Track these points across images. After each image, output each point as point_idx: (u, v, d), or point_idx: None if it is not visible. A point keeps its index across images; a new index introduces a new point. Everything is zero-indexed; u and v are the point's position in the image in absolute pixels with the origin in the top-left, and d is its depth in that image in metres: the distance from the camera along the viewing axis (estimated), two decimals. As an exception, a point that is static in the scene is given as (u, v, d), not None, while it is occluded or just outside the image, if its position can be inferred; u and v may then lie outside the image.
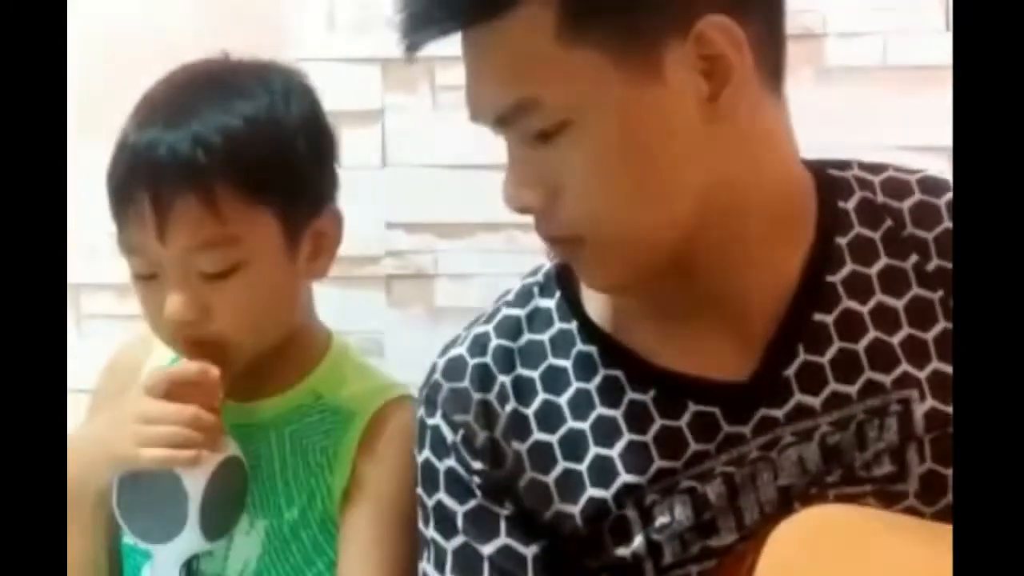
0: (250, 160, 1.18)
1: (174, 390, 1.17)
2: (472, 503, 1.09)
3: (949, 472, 1.03)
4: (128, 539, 1.24)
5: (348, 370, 1.29)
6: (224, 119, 1.18)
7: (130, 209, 1.18)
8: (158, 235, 1.17)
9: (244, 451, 1.21)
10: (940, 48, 1.44)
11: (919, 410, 1.03)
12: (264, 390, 1.26)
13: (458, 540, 1.09)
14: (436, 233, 1.61)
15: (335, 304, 1.34)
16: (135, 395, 1.19)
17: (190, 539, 1.16)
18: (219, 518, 1.18)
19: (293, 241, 1.22)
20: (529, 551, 1.07)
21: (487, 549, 1.08)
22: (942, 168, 1.09)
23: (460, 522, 1.09)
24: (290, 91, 1.24)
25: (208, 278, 1.18)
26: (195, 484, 1.15)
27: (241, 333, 1.20)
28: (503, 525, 1.08)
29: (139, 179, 1.17)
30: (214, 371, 1.17)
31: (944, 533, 0.86)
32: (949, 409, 1.03)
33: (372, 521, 1.21)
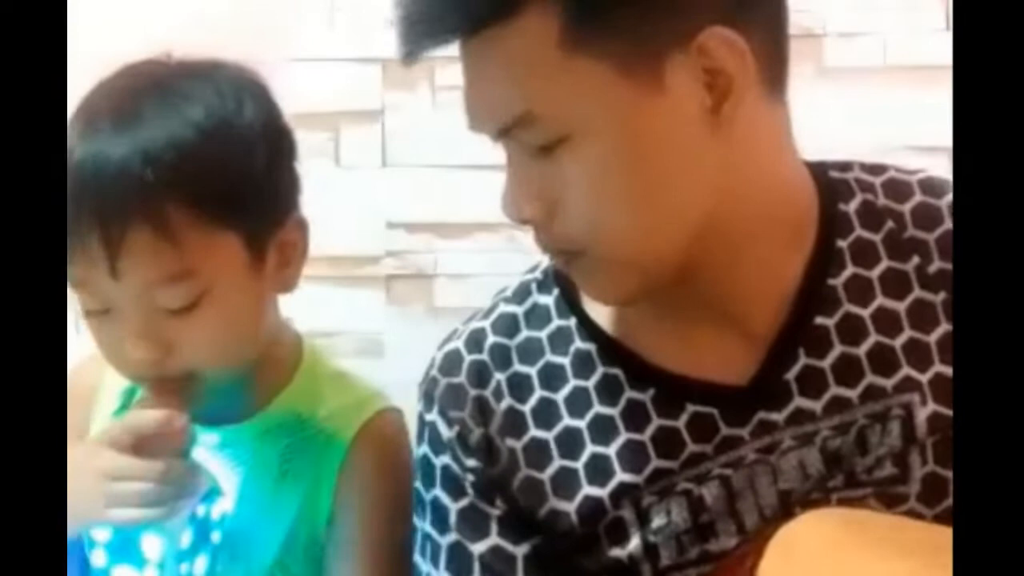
0: (206, 178, 1.08)
1: (140, 442, 1.09)
2: (464, 501, 1.08)
3: (950, 475, 1.03)
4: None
5: (324, 382, 1.22)
6: (173, 128, 1.08)
7: (76, 241, 1.06)
8: (110, 271, 1.07)
9: (222, 478, 1.16)
10: (940, 48, 1.44)
11: (921, 414, 1.03)
12: (239, 411, 1.19)
13: (451, 537, 1.09)
14: (436, 233, 1.61)
15: (335, 304, 1.34)
16: (97, 448, 1.10)
17: None
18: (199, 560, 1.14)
19: (258, 257, 1.13)
20: (519, 551, 1.07)
21: (478, 548, 1.08)
22: (942, 168, 1.09)
23: (453, 519, 1.09)
24: (242, 91, 1.14)
25: (170, 313, 1.09)
26: (172, 535, 1.12)
27: (209, 363, 1.12)
28: (493, 525, 1.08)
29: (85, 208, 1.06)
30: (179, 419, 1.09)
31: (946, 536, 0.86)
32: (951, 412, 1.03)
33: (357, 551, 1.16)
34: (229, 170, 1.10)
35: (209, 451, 1.17)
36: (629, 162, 0.98)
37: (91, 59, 1.58)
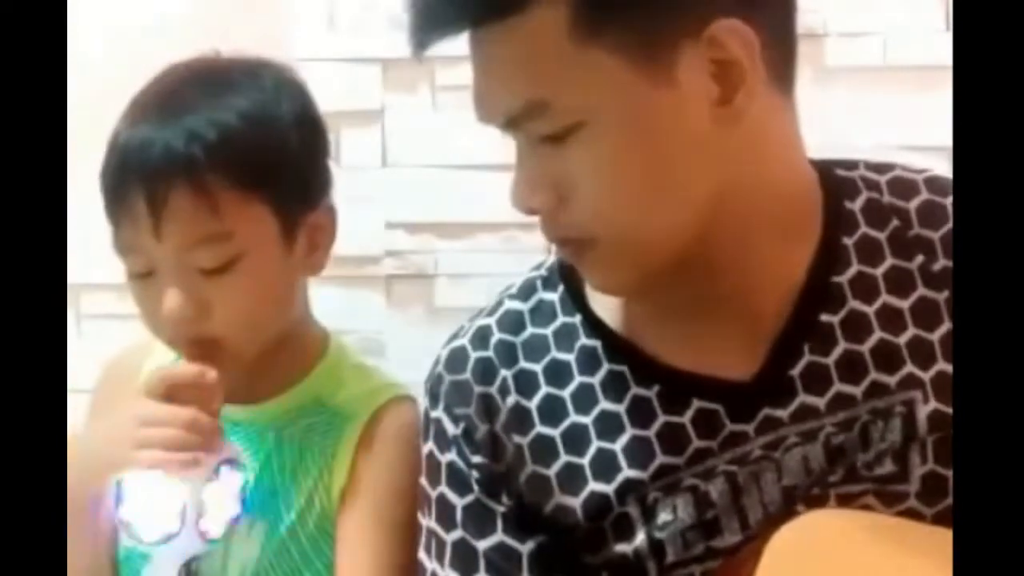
0: (244, 154, 1.18)
1: (172, 392, 1.16)
2: (470, 498, 1.09)
3: (950, 474, 1.03)
4: (127, 542, 1.23)
5: (346, 371, 1.28)
6: (217, 114, 1.18)
7: (124, 208, 1.17)
8: (153, 232, 1.16)
9: (243, 453, 1.21)
10: (940, 48, 1.44)
11: (922, 412, 1.03)
12: (263, 391, 1.26)
13: (456, 534, 1.09)
14: (436, 233, 1.61)
15: (335, 304, 1.34)
16: (133, 397, 1.18)
17: (188, 541, 1.16)
18: (217, 520, 1.18)
19: (289, 235, 1.21)
20: (524, 548, 1.07)
21: (483, 545, 1.08)
22: (942, 168, 1.09)
23: (459, 516, 1.09)
24: (281, 87, 1.23)
25: (205, 274, 1.17)
26: (192, 487, 1.15)
27: (240, 329, 1.19)
28: (499, 522, 1.08)
29: (132, 177, 1.16)
30: (212, 373, 1.16)
31: (945, 539, 0.86)
32: (952, 410, 1.03)
33: (369, 524, 1.21)
34: (266, 152, 1.20)
35: (236, 425, 1.23)
36: (638, 152, 0.98)
37: (90, 59, 1.58)
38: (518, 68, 0.99)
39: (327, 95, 1.28)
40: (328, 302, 1.32)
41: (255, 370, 1.23)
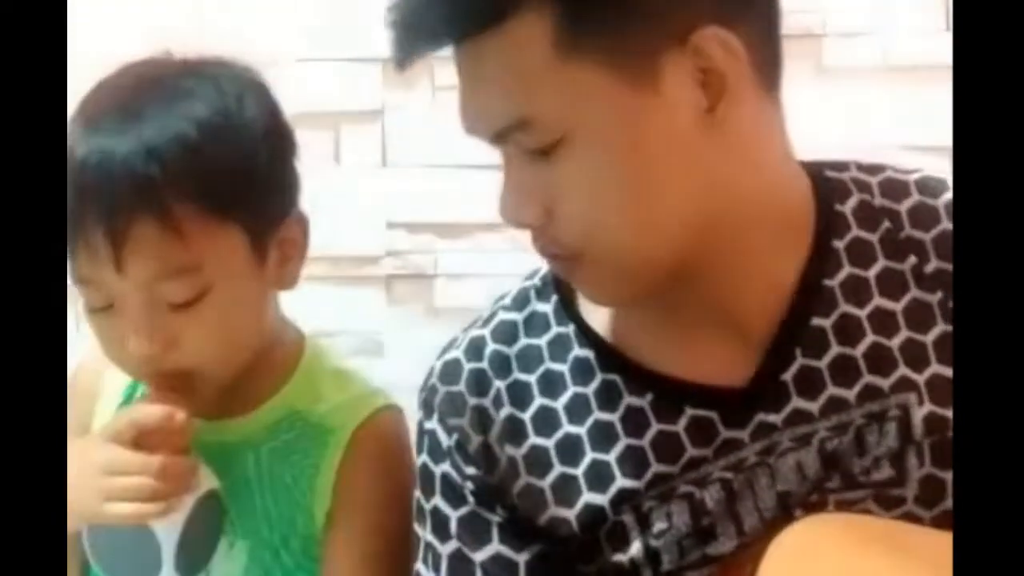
0: (210, 174, 1.09)
1: (140, 438, 1.10)
2: (465, 509, 1.09)
3: (948, 476, 1.03)
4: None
5: (324, 379, 1.22)
6: (176, 125, 1.09)
7: (80, 236, 1.07)
8: (114, 265, 1.07)
9: (221, 471, 1.15)
10: (940, 48, 1.44)
11: (918, 414, 1.03)
12: (237, 407, 1.19)
13: (452, 545, 1.09)
14: (436, 233, 1.61)
15: (335, 304, 1.34)
16: (98, 442, 1.11)
17: None
18: (196, 555, 1.13)
19: (260, 253, 1.14)
20: (521, 558, 1.07)
21: (479, 556, 1.08)
22: (942, 168, 1.09)
23: (454, 527, 1.09)
24: (243, 90, 1.14)
25: (173, 308, 1.10)
26: (168, 532, 1.10)
27: (211, 360, 1.13)
28: (495, 532, 1.08)
29: (90, 205, 1.07)
30: (180, 415, 1.10)
31: (944, 542, 0.86)
32: (947, 413, 1.02)
33: (356, 547, 1.16)
34: (231, 166, 1.11)
35: (209, 446, 1.17)
36: (626, 163, 0.98)
37: (90, 58, 1.58)
38: (502, 83, 0.98)
39: (327, 95, 1.28)
40: (328, 302, 1.32)
41: (227, 385, 1.16)
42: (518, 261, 1.20)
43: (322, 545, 1.18)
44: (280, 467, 1.19)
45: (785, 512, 1.02)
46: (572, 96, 0.96)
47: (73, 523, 1.07)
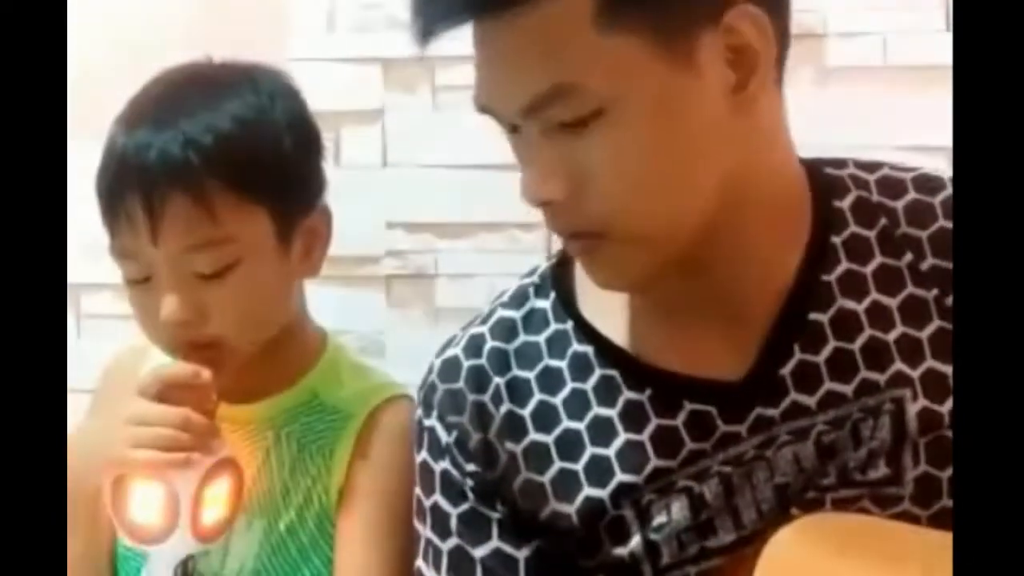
0: (241, 159, 1.19)
1: (166, 392, 1.17)
2: (465, 506, 1.09)
3: (944, 475, 1.03)
4: (125, 540, 1.23)
5: (344, 370, 1.30)
6: (213, 119, 1.19)
7: (121, 214, 1.18)
8: (151, 238, 1.17)
9: (241, 451, 1.21)
10: (940, 48, 1.44)
11: (912, 409, 1.03)
12: (261, 390, 1.27)
13: (452, 542, 1.09)
14: (436, 233, 1.61)
15: (335, 304, 1.34)
16: (129, 397, 1.19)
17: (182, 541, 1.15)
18: (212, 520, 1.17)
19: (285, 239, 1.22)
20: (521, 554, 1.07)
21: (479, 552, 1.08)
22: (942, 168, 1.09)
23: (454, 524, 1.09)
24: (276, 91, 1.24)
25: (203, 279, 1.18)
26: (186, 487, 1.14)
27: (237, 332, 1.20)
28: (495, 528, 1.08)
29: (129, 183, 1.17)
30: (206, 373, 1.17)
31: (941, 541, 0.86)
32: (942, 409, 1.03)
33: (367, 523, 1.22)
34: (261, 155, 1.21)
35: (234, 424, 1.24)
36: (660, 138, 0.97)
37: (90, 59, 1.58)
38: (542, 53, 0.96)
39: (327, 95, 1.28)
40: (328, 302, 1.32)
41: (253, 369, 1.24)
42: (518, 261, 1.20)
43: (335, 522, 1.23)
44: (298, 447, 1.26)
45: (783, 506, 1.03)
46: (612, 68, 0.96)
47: (102, 471, 1.16)
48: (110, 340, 1.43)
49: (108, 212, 1.20)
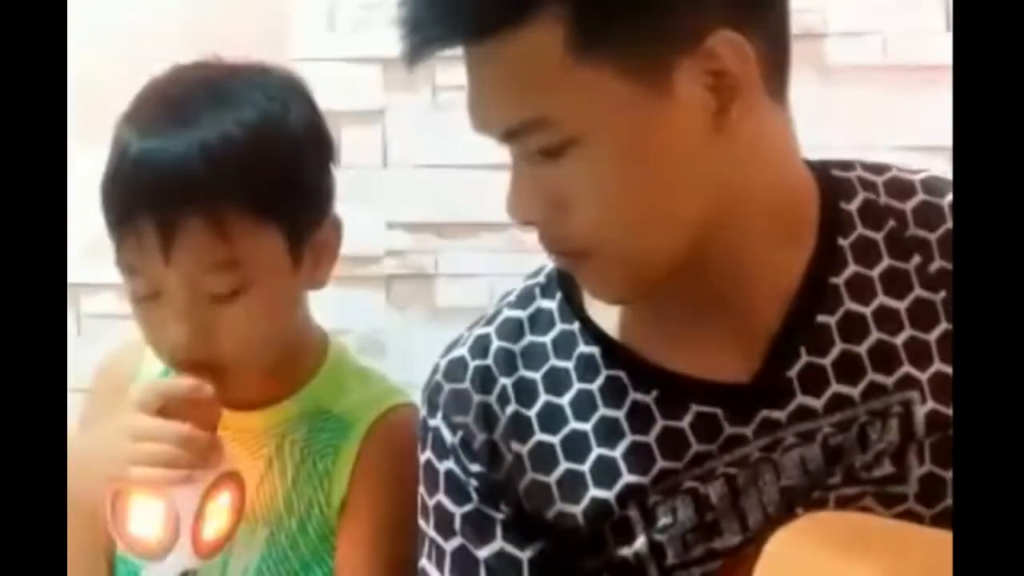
0: (255, 177, 1.15)
1: (168, 406, 1.14)
2: (469, 506, 1.09)
3: (948, 475, 1.03)
4: (122, 553, 1.21)
5: (347, 376, 1.28)
6: (227, 128, 1.15)
7: (130, 228, 1.15)
8: (162, 257, 1.14)
9: (243, 460, 1.19)
10: (940, 48, 1.44)
11: (920, 412, 1.03)
12: (264, 398, 1.25)
13: (456, 542, 1.09)
14: (436, 233, 1.61)
15: (335, 304, 1.34)
16: (128, 409, 1.16)
17: (182, 557, 1.13)
18: (213, 535, 1.15)
19: (296, 255, 1.19)
20: (525, 555, 1.07)
21: (483, 553, 1.08)
22: (942, 168, 1.09)
23: (458, 524, 1.09)
24: (289, 96, 1.21)
25: (215, 299, 1.15)
26: (187, 503, 1.12)
27: (245, 352, 1.18)
28: (499, 529, 1.08)
29: (142, 200, 1.14)
30: (208, 388, 1.15)
31: (943, 540, 0.86)
32: (949, 411, 1.03)
33: (370, 533, 1.21)
34: (277, 168, 1.17)
35: (237, 432, 1.21)
36: (637, 166, 0.98)
37: (90, 59, 1.58)
38: (515, 84, 0.98)
39: (327, 95, 1.28)
40: (328, 302, 1.32)
41: (256, 377, 1.22)
42: (519, 261, 1.20)
43: (337, 531, 1.22)
44: (300, 456, 1.24)
45: (789, 507, 1.03)
46: (585, 99, 0.96)
47: (101, 484, 1.12)
48: (110, 340, 1.43)
49: (117, 225, 1.16)
